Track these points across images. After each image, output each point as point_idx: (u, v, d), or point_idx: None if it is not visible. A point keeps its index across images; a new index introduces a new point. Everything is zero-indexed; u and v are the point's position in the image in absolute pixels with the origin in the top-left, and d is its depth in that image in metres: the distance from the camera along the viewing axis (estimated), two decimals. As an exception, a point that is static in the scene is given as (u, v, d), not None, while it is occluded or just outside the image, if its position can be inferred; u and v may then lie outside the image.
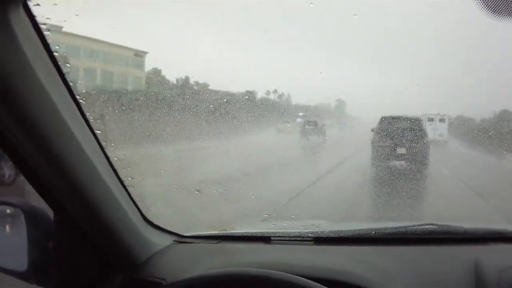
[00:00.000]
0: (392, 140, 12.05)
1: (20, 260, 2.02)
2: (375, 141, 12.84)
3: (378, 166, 12.21)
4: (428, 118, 16.38)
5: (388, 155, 12.07)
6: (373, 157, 12.72)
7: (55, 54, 1.63)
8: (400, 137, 12.06)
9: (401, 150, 12.14)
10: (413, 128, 12.49)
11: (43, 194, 1.89)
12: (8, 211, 2.17)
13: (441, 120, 17.03)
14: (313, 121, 14.85)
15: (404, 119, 13.24)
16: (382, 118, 13.31)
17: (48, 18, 1.62)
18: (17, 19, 1.45)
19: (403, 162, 12.24)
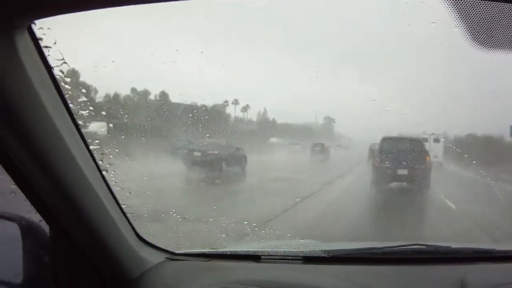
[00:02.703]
0: (394, 161, 11.77)
1: (16, 273, 2.05)
2: (376, 162, 12.63)
3: (378, 187, 11.91)
4: (421, 138, 15.60)
5: (389, 176, 11.81)
6: (374, 178, 12.35)
7: (57, 76, 1.70)
8: (401, 158, 11.73)
9: (402, 171, 11.83)
10: (415, 149, 12.16)
11: (40, 209, 1.94)
12: (4, 224, 2.20)
13: (436, 141, 16.45)
14: (320, 143, 18.10)
15: (406, 140, 13.04)
16: (383, 138, 13.20)
17: (51, 41, 1.69)
18: (22, 41, 1.53)
19: (404, 184, 11.85)
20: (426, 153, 12.78)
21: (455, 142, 15.71)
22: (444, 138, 16.35)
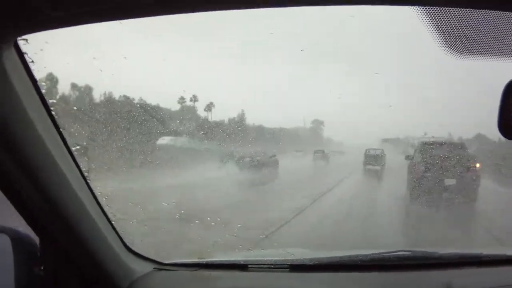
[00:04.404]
0: (439, 169, 10.29)
1: (7, 285, 2.06)
2: (417, 171, 11.08)
3: (422, 199, 10.33)
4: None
5: (435, 187, 10.19)
6: (416, 189, 10.77)
7: (43, 91, 1.74)
8: (447, 166, 10.30)
9: (450, 181, 10.35)
10: (460, 155, 10.85)
11: (30, 221, 1.97)
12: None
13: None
14: (321, 150, 19.57)
15: (448, 144, 11.77)
16: (422, 143, 12.25)
17: (36, 53, 1.72)
18: (9, 57, 1.57)
19: (448, 194, 10.27)
20: (473, 159, 11.32)
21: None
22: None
